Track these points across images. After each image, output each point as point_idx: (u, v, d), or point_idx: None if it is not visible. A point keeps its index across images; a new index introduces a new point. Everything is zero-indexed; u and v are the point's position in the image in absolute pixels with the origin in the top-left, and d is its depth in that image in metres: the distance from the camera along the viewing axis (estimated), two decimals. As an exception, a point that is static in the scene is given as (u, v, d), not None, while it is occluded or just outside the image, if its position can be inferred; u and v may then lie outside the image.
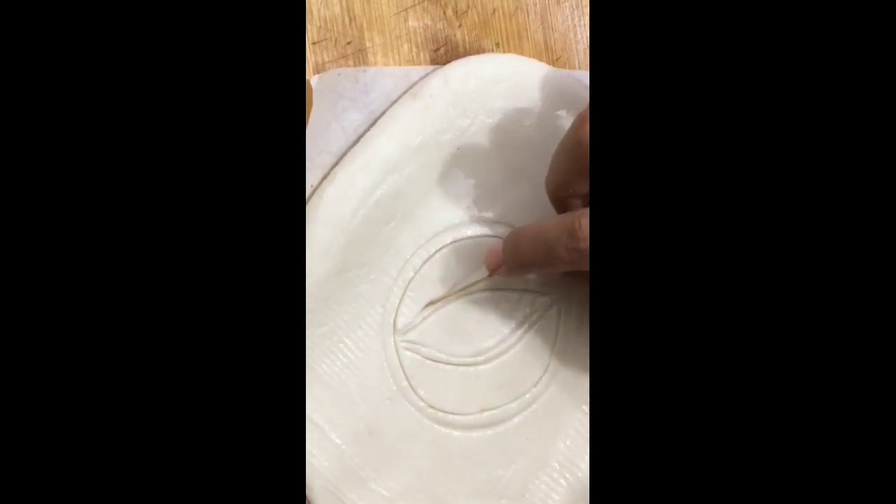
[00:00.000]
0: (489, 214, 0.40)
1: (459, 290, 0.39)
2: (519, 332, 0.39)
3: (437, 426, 0.39)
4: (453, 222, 0.39)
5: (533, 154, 0.40)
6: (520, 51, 0.41)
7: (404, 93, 0.40)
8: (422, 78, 0.40)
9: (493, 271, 0.37)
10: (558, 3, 0.42)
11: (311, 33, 0.40)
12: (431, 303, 0.39)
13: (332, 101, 0.39)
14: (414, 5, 0.41)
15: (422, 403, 0.39)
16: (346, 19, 0.41)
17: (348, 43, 0.40)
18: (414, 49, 0.41)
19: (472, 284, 0.39)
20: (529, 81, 0.40)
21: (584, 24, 0.42)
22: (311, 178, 0.39)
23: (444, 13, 0.41)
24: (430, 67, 0.40)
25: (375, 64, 0.41)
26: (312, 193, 0.39)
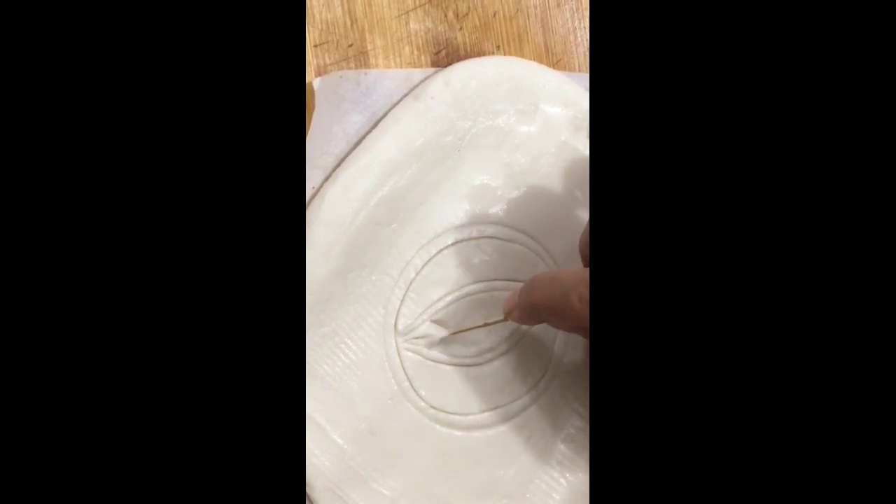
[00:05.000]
0: (490, 216, 0.40)
1: (472, 328, 0.39)
2: (519, 333, 0.39)
3: (437, 426, 0.39)
4: (454, 223, 0.40)
5: (533, 156, 0.40)
6: (520, 53, 0.42)
7: (405, 95, 0.40)
8: (423, 80, 0.40)
9: (507, 315, 0.36)
10: (559, 5, 0.42)
11: (313, 36, 0.41)
12: (450, 333, 0.39)
13: (334, 104, 0.40)
14: (415, 8, 0.41)
15: (423, 404, 0.39)
16: (348, 22, 0.41)
17: (350, 45, 0.41)
18: (415, 51, 0.41)
19: (487, 325, 0.38)
20: (530, 84, 0.40)
21: (585, 27, 0.42)
22: (313, 180, 0.39)
23: (445, 16, 0.41)
24: (431, 70, 0.41)
25: (377, 66, 0.41)
26: (314, 195, 0.39)
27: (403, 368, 0.39)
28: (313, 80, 0.40)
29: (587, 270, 0.31)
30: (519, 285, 0.39)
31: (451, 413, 0.39)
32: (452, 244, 0.40)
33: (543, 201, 0.40)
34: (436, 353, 0.39)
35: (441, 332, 0.39)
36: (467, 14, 0.41)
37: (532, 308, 0.33)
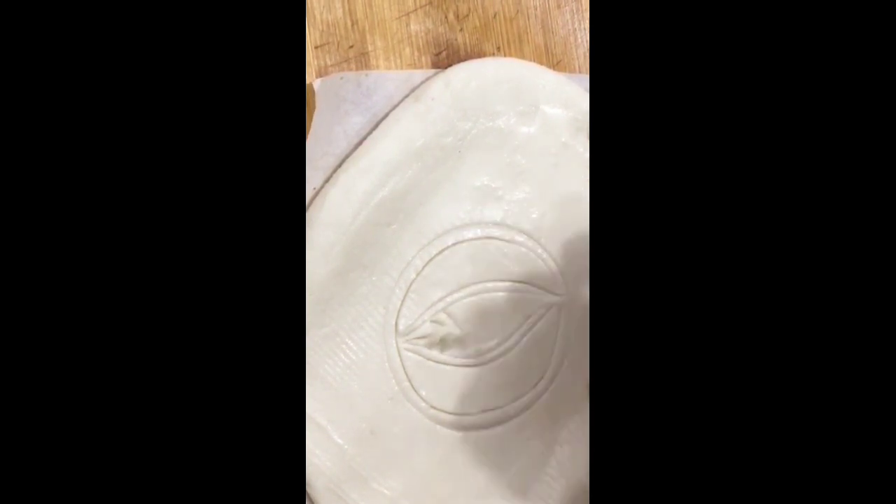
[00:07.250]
0: (490, 216, 0.40)
1: None
2: (519, 333, 0.39)
3: (438, 426, 0.39)
4: (454, 224, 0.40)
5: (533, 156, 0.40)
6: (520, 54, 0.42)
7: (406, 96, 0.40)
8: (423, 81, 0.40)
9: None
10: (559, 6, 0.42)
11: (314, 37, 0.41)
12: None
13: (335, 105, 0.40)
14: (415, 9, 0.41)
15: (423, 404, 0.39)
16: (349, 23, 0.41)
17: (350, 47, 0.41)
18: (415, 53, 0.41)
19: None
20: (530, 85, 0.40)
21: (585, 28, 0.42)
22: (314, 181, 0.39)
23: (446, 17, 0.41)
24: (432, 71, 0.41)
25: (377, 67, 0.41)
26: (315, 196, 0.39)
27: (404, 369, 0.39)
28: (314, 81, 0.40)
29: None
30: (519, 286, 0.39)
31: (451, 413, 0.39)
32: (453, 245, 0.40)
33: (543, 202, 0.40)
34: (436, 354, 0.39)
35: (441, 332, 0.39)
36: (467, 15, 0.41)
37: None
